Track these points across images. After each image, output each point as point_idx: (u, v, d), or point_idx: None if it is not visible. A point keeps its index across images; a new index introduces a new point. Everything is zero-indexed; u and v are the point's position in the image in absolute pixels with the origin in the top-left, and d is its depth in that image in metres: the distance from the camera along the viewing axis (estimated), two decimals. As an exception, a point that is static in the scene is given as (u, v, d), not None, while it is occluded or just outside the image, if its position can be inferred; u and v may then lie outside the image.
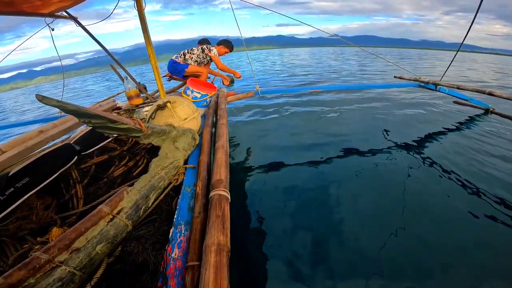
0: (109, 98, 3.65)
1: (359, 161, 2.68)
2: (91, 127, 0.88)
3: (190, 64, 3.56)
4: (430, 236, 1.68)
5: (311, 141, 3.20)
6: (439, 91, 3.78)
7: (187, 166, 1.38)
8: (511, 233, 1.69)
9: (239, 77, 3.81)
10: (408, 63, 15.89)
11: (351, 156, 2.81)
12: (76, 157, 1.40)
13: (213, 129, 1.94)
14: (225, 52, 3.73)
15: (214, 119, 2.26)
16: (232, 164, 2.69)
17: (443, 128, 3.54)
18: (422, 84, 3.96)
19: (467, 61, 18.93)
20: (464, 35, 3.19)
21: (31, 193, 1.15)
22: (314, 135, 3.42)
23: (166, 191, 1.21)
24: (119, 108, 2.70)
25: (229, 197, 1.02)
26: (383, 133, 3.37)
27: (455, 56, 3.59)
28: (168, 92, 3.63)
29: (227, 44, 3.70)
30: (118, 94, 4.34)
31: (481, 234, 1.69)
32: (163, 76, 3.84)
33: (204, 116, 2.26)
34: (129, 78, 2.79)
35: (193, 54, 3.57)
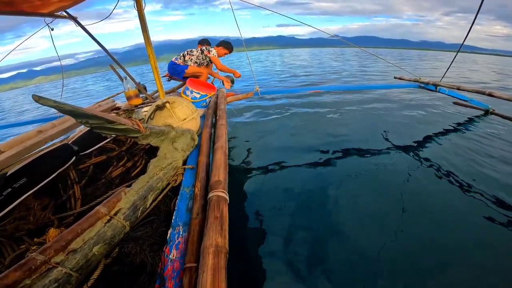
0: (109, 98, 3.65)
1: (359, 162, 2.67)
2: (89, 128, 0.87)
3: (190, 65, 3.56)
4: (429, 237, 1.68)
5: (311, 142, 3.19)
6: (439, 92, 3.77)
7: (186, 167, 1.37)
8: (510, 233, 1.70)
9: (238, 76, 3.81)
10: (408, 64, 15.90)
11: (350, 157, 2.80)
12: (74, 158, 1.40)
13: (213, 130, 1.93)
14: (225, 54, 3.74)
15: (214, 119, 2.26)
16: (231, 165, 2.68)
17: (443, 129, 3.53)
18: (422, 85, 3.96)
19: (467, 62, 18.95)
20: (465, 36, 3.19)
21: (28, 193, 1.14)
22: (314, 136, 3.41)
23: (165, 192, 1.20)
24: (118, 108, 2.69)
25: (227, 198, 1.02)
26: (382, 134, 3.36)
27: (455, 57, 3.59)
28: (167, 93, 3.63)
29: (227, 45, 3.70)
30: (117, 94, 4.33)
31: (480, 235, 1.69)
32: (163, 77, 3.84)
33: (203, 117, 2.25)
34: (128, 78, 2.78)
35: (193, 55, 3.59)
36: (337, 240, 1.68)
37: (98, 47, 3.05)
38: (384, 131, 3.47)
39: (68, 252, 0.77)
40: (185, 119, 1.65)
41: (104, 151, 1.70)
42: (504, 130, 3.35)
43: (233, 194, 1.99)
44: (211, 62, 3.67)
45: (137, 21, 2.40)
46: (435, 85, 3.74)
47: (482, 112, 3.91)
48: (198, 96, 2.35)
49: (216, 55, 3.56)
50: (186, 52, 3.64)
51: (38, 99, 0.67)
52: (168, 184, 1.24)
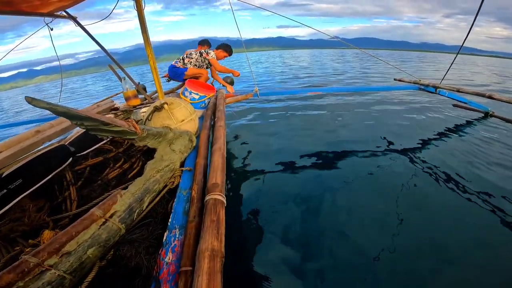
0: (107, 98, 3.64)
1: (359, 164, 2.67)
2: (84, 129, 0.86)
3: (189, 67, 3.58)
4: (429, 237, 1.70)
5: (310, 144, 3.18)
6: (438, 94, 3.77)
7: (183, 168, 1.36)
8: (508, 233, 1.71)
9: (238, 75, 3.82)
10: (409, 66, 15.91)
11: (350, 160, 2.80)
12: (70, 159, 1.39)
13: (211, 131, 1.92)
14: (224, 56, 3.76)
15: (212, 121, 2.25)
16: (229, 167, 2.67)
17: (443, 131, 3.53)
18: (422, 87, 3.95)
19: (467, 64, 18.97)
20: (464, 38, 3.19)
21: (23, 195, 1.13)
22: (313, 138, 3.40)
23: (162, 194, 1.19)
24: (117, 109, 2.69)
25: (224, 201, 1.01)
26: (382, 136, 3.35)
27: (455, 59, 3.59)
28: (167, 93, 3.62)
29: (226, 48, 3.72)
30: (116, 94, 4.33)
31: (479, 235, 1.70)
32: (162, 77, 3.83)
33: (202, 118, 2.24)
34: (127, 78, 2.77)
35: (192, 58, 3.61)
36: (336, 244, 1.67)
37: (99, 47, 3.05)
38: (384, 133, 3.46)
39: (61, 254, 0.76)
40: (183, 120, 1.64)
41: (101, 152, 1.69)
42: (503, 133, 3.34)
43: (231, 196, 1.99)
44: (211, 65, 3.68)
45: (137, 21, 2.40)
46: (435, 87, 3.73)
47: (482, 115, 3.91)
48: (197, 97, 2.34)
49: (215, 57, 3.59)
50: (185, 55, 3.67)
51: (31, 100, 0.66)
52: (165, 186, 1.23)
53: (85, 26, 2.85)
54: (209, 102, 2.57)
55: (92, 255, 0.83)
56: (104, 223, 0.88)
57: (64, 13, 2.68)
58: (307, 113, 4.60)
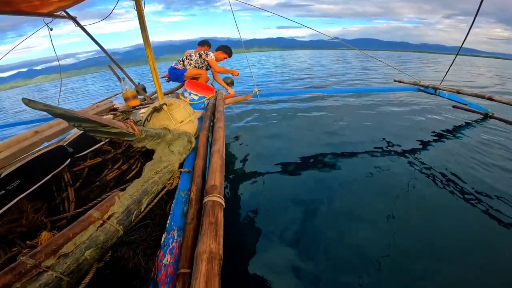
0: (107, 98, 3.64)
1: (357, 167, 2.66)
2: (82, 131, 0.86)
3: (189, 68, 3.60)
4: (428, 238, 1.70)
5: (309, 146, 3.18)
6: (438, 95, 3.77)
7: (182, 170, 1.36)
8: (506, 234, 1.72)
9: (237, 75, 3.83)
10: (410, 67, 15.92)
11: (349, 162, 2.80)
12: (69, 160, 1.38)
13: (210, 132, 1.92)
14: (224, 58, 3.78)
15: (212, 122, 2.24)
16: (228, 169, 2.66)
17: (442, 132, 3.53)
18: (422, 88, 3.95)
19: (468, 65, 18.99)
20: (463, 38, 3.19)
21: (21, 196, 1.13)
22: (313, 140, 3.40)
23: (160, 195, 1.19)
24: (116, 109, 2.68)
25: (223, 203, 1.00)
26: (381, 138, 3.35)
27: (454, 60, 3.59)
28: (166, 94, 3.62)
29: (226, 49, 3.74)
30: (115, 95, 4.32)
31: (478, 236, 1.72)
32: (162, 77, 3.83)
33: (201, 119, 2.24)
34: (126, 79, 2.77)
35: (192, 60, 3.65)
36: (335, 245, 1.67)
37: (99, 47, 3.05)
38: (383, 135, 3.46)
39: (59, 256, 0.76)
40: (182, 121, 1.63)
41: (100, 153, 1.69)
42: (503, 134, 3.35)
43: (230, 198, 1.98)
44: (210, 66, 3.70)
45: (138, 21, 2.39)
46: (435, 89, 3.73)
47: (481, 116, 3.91)
48: (196, 98, 2.34)
49: (214, 58, 3.61)
50: (185, 57, 3.70)
51: (28, 102, 0.65)
52: (164, 187, 1.22)
53: (85, 26, 2.85)
54: (208, 103, 2.57)
55: (90, 256, 0.82)
56: (101, 224, 0.88)
57: (64, 13, 2.68)
58: (307, 114, 4.59)
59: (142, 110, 2.32)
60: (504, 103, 3.11)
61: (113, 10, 2.76)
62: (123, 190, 1.04)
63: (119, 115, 2.37)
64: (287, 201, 2.10)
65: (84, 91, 15.29)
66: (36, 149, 1.80)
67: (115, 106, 2.80)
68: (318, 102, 5.41)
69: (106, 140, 1.75)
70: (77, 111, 0.79)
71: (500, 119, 3.59)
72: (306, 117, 4.43)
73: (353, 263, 1.53)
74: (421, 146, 3.10)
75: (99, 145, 1.65)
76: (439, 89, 3.68)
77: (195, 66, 3.67)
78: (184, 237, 0.94)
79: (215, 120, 2.02)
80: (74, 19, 2.76)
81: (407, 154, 2.86)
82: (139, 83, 3.25)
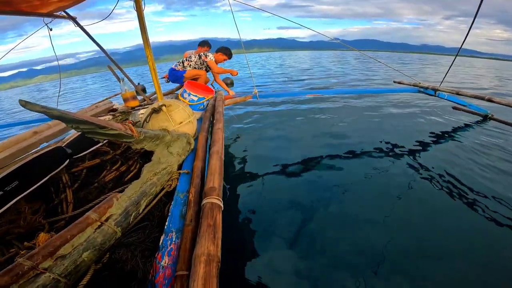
0: (106, 99, 3.64)
1: (356, 168, 2.65)
2: (80, 132, 0.86)
3: (188, 69, 3.63)
4: (428, 237, 1.72)
5: (309, 148, 3.17)
6: (438, 96, 3.77)
7: (181, 171, 1.35)
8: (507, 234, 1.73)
9: (236, 75, 3.84)
10: (410, 68, 15.94)
11: (347, 163, 2.79)
12: (67, 161, 1.38)
13: (210, 133, 1.91)
14: (224, 60, 3.81)
15: (211, 123, 2.24)
16: (227, 170, 2.65)
17: (441, 133, 3.53)
18: (422, 90, 3.95)
19: (469, 67, 19.01)
20: (463, 40, 3.19)
21: (19, 197, 1.12)
22: (312, 142, 3.39)
23: (159, 197, 1.18)
24: (115, 110, 2.68)
25: (222, 205, 1.00)
26: (381, 140, 3.34)
27: (454, 61, 3.60)
28: (166, 94, 3.63)
29: (226, 51, 3.76)
30: (115, 95, 4.32)
31: (477, 237, 1.73)
32: (162, 78, 3.84)
33: (200, 120, 2.24)
34: (126, 79, 2.77)
35: (191, 61, 3.69)
36: (334, 248, 1.66)
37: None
38: (382, 136, 3.46)
39: (56, 258, 0.76)
40: (181, 122, 1.63)
41: (98, 154, 1.68)
42: (502, 136, 3.35)
43: (228, 200, 1.98)
44: (210, 68, 3.72)
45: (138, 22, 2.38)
46: (434, 90, 3.73)
47: (481, 118, 3.91)
48: (195, 98, 2.34)
49: (213, 59, 3.63)
50: (185, 59, 3.74)
51: (25, 104, 0.65)
52: (163, 188, 1.22)
53: (86, 26, 2.85)
54: (208, 104, 2.57)
55: (87, 258, 0.82)
56: (99, 226, 0.88)
57: (64, 13, 2.68)
58: (306, 116, 4.59)
59: (141, 111, 2.32)
60: (504, 105, 3.11)
61: (113, 10, 2.77)
62: (121, 191, 1.04)
63: (118, 115, 2.37)
64: (287, 203, 2.09)
65: (84, 91, 15.28)
66: (35, 150, 1.80)
67: (114, 107, 2.80)
68: (318, 103, 5.40)
69: (105, 141, 1.75)
70: (75, 113, 0.79)
71: (500, 121, 3.59)
72: (306, 119, 4.43)
73: (353, 264, 1.53)
74: (420, 148, 3.10)
75: (98, 146, 1.65)
76: (439, 90, 3.69)
77: (195, 68, 3.70)
78: (183, 239, 0.94)
79: (214, 121, 2.02)
80: (74, 19, 2.76)
81: (406, 155, 2.86)
82: (138, 84, 3.26)
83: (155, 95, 3.07)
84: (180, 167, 1.42)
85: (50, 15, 2.57)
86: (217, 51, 3.78)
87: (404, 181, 2.35)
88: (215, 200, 0.99)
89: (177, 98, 2.49)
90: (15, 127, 5.06)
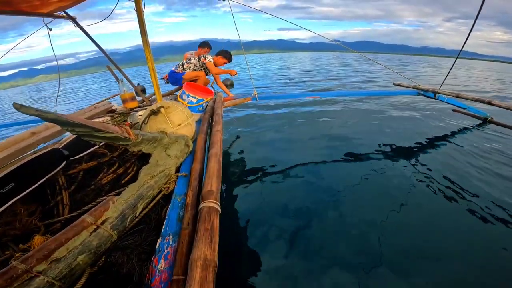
0: (105, 100, 3.63)
1: (355, 171, 2.64)
2: (76, 135, 0.85)
3: (187, 71, 3.64)
4: (428, 238, 1.73)
5: (308, 150, 3.17)
6: (438, 99, 3.77)
7: (179, 174, 1.34)
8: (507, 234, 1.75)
9: (235, 74, 3.85)
10: (410, 70, 15.95)
11: (347, 166, 2.78)
12: (64, 163, 1.37)
13: (208, 136, 1.90)
14: (224, 63, 3.82)
15: (210, 125, 2.23)
16: (226, 174, 2.64)
17: (441, 136, 3.54)
18: (421, 92, 3.95)
19: (469, 69, 19.03)
20: (464, 42, 3.18)
21: (15, 198, 1.11)
22: (312, 144, 3.39)
23: (156, 199, 1.17)
24: (114, 111, 2.67)
25: (219, 209, 0.99)
26: (380, 142, 3.34)
27: (454, 63, 3.59)
28: (165, 95, 3.62)
29: (226, 54, 3.78)
30: (114, 96, 4.32)
31: (477, 237, 1.74)
32: (161, 79, 3.84)
33: (199, 121, 2.23)
34: (125, 80, 2.76)
35: (191, 63, 3.71)
36: (334, 250, 1.66)
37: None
38: (382, 139, 3.46)
39: (51, 261, 0.75)
40: (179, 124, 1.62)
41: (95, 156, 1.67)
42: (501, 138, 3.35)
43: (226, 203, 1.96)
44: (209, 70, 3.73)
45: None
46: (434, 92, 3.73)
47: (480, 121, 3.91)
48: (194, 100, 2.33)
49: (212, 61, 3.65)
50: (184, 61, 3.77)
51: (19, 107, 0.64)
52: (160, 191, 1.21)
53: (86, 27, 2.85)
54: (207, 105, 2.56)
55: (83, 261, 0.81)
56: (95, 230, 0.87)
57: (64, 14, 2.68)
58: (306, 118, 4.58)
59: (140, 112, 2.31)
60: (504, 108, 3.11)
61: (114, 10, 2.76)
62: (118, 194, 1.03)
63: (117, 117, 2.36)
64: (285, 207, 2.08)
65: (84, 90, 15.27)
66: (33, 150, 1.79)
67: (113, 108, 2.79)
68: (318, 106, 5.40)
69: (102, 143, 1.74)
70: (70, 115, 0.78)
71: (499, 124, 3.58)
72: (306, 121, 4.42)
73: (352, 266, 1.52)
74: (420, 150, 3.10)
75: (95, 147, 1.64)
76: (439, 93, 3.68)
77: (194, 69, 3.72)
78: (179, 242, 0.93)
79: (213, 123, 2.01)
80: (73, 20, 2.75)
81: (406, 158, 2.86)
82: (138, 84, 3.25)
83: (155, 96, 3.07)
84: (178, 169, 1.41)
85: (50, 15, 2.57)
86: (217, 54, 3.80)
87: (404, 183, 2.35)
88: (212, 204, 0.98)
89: (176, 99, 2.48)
90: (13, 127, 5.05)
